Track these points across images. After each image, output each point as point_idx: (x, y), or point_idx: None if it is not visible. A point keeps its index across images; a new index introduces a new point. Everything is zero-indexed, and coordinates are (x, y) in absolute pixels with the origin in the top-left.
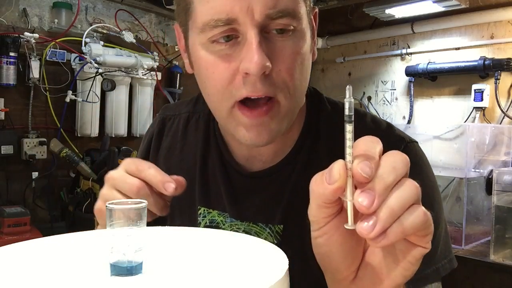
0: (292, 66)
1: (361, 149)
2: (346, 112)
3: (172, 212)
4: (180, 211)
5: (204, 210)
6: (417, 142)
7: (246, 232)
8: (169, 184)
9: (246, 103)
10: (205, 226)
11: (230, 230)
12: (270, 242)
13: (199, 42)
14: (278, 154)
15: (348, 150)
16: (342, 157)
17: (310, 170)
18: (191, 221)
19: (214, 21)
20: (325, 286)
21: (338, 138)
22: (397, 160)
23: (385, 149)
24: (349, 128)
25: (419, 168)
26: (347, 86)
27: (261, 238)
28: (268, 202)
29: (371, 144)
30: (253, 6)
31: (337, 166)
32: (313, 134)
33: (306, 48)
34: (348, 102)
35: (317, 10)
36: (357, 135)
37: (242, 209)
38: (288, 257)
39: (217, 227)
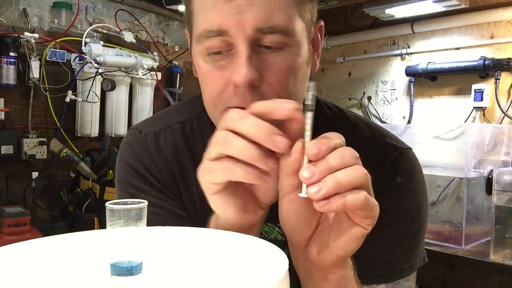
0: (284, 79)
1: (321, 136)
2: (309, 102)
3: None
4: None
5: None
6: (411, 149)
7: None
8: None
9: None
10: None
11: None
12: (279, 239)
13: (198, 51)
14: None
15: (307, 133)
16: None
17: None
18: None
19: (207, 32)
20: None
21: None
22: (345, 152)
23: (381, 156)
24: (309, 115)
25: (412, 174)
26: (311, 84)
27: (271, 237)
28: (275, 205)
29: (332, 135)
30: (244, 19)
31: (296, 143)
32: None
33: (301, 62)
34: (311, 95)
35: (322, 23)
36: (355, 143)
37: None
38: None
39: None
